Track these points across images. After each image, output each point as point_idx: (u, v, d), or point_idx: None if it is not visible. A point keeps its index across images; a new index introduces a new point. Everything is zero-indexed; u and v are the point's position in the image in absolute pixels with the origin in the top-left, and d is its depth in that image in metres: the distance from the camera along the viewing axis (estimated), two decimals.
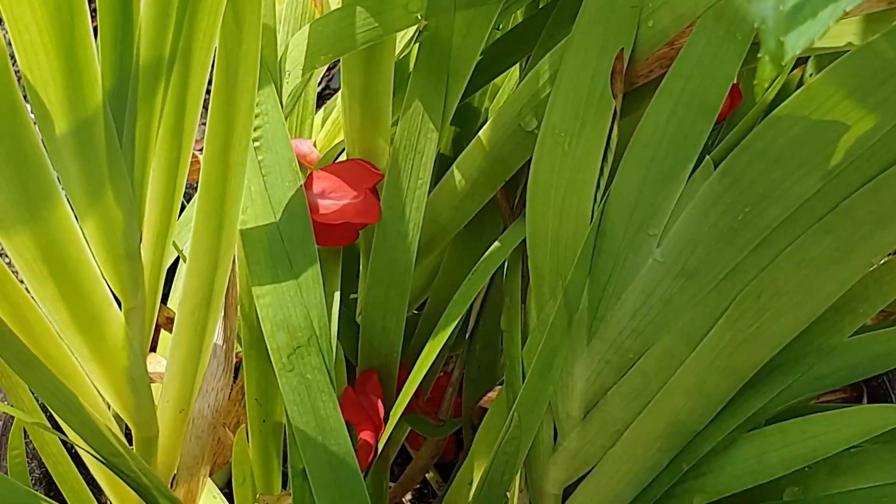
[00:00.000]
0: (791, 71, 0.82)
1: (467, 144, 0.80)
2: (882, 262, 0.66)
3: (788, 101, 0.58)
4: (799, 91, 0.57)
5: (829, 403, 0.79)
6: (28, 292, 0.68)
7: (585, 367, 0.70)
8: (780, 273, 0.63)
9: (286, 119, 0.75)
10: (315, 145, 0.84)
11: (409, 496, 0.98)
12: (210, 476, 0.81)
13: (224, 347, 0.75)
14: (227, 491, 0.84)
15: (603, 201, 0.65)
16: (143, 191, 0.66)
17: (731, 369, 0.67)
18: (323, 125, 0.88)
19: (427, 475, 0.95)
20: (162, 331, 0.89)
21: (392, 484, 0.89)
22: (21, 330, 0.65)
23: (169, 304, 0.87)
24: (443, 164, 0.79)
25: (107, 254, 0.65)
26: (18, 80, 0.54)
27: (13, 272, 0.67)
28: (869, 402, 0.93)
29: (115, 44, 0.59)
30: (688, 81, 0.60)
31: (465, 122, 0.83)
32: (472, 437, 0.83)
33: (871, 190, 0.58)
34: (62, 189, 0.61)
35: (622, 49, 0.63)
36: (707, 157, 0.61)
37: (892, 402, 0.98)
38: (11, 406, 0.72)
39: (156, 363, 0.83)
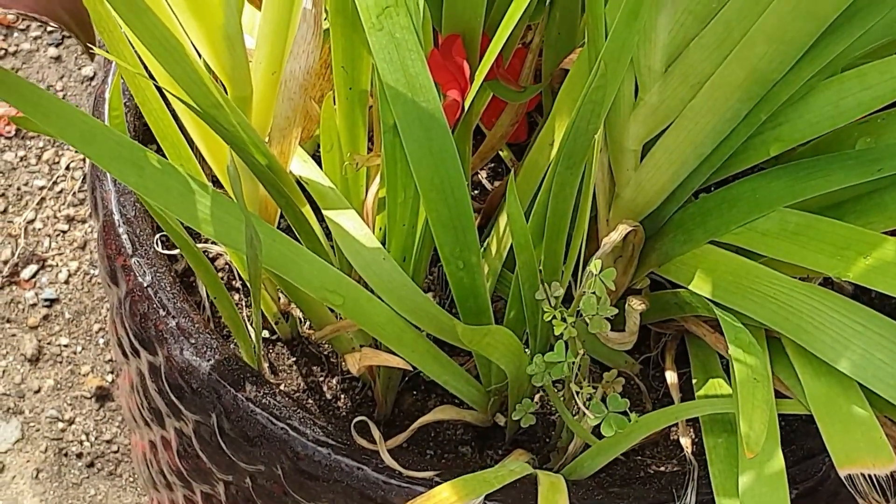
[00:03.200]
0: None
1: None
2: None
3: None
4: None
5: None
6: None
7: (669, 18, 0.72)
8: None
9: None
10: None
11: (484, 174, 1.01)
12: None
13: (313, 11, 0.77)
14: (315, 159, 0.87)
15: None
16: None
17: (812, 13, 0.69)
18: None
19: (501, 153, 0.99)
20: (248, 13, 0.90)
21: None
22: None
23: None
24: None
25: None
26: None
27: None
28: None
29: None
30: None
31: None
32: (551, 102, 0.86)
33: None
34: None
35: None
36: None
37: None
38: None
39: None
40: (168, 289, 0.84)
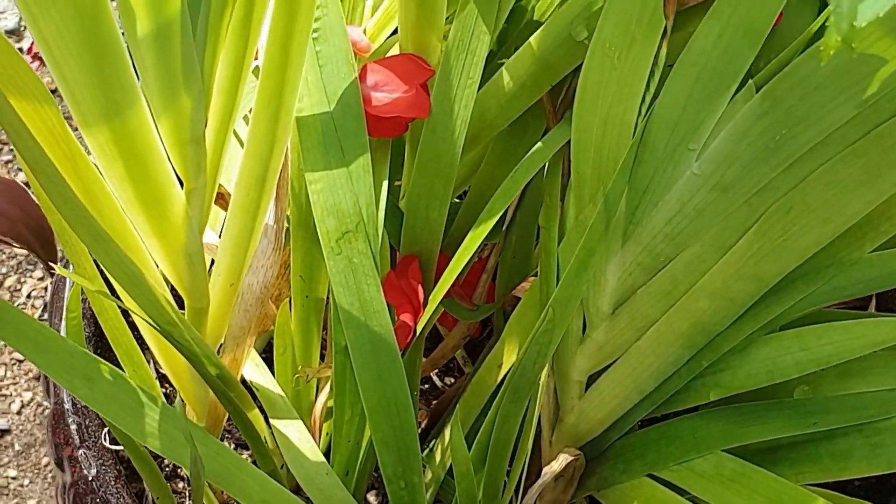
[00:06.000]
0: None
1: (511, 41, 0.83)
2: None
3: None
4: None
5: (840, 310, 0.84)
6: (97, 169, 0.72)
7: (618, 266, 0.74)
8: (809, 191, 0.67)
9: None
10: (364, 33, 0.87)
11: (434, 370, 1.03)
12: None
13: (275, 227, 0.79)
14: (265, 356, 0.89)
15: (647, 115, 0.68)
16: (211, 80, 0.69)
17: (756, 277, 0.71)
18: (373, 14, 0.90)
19: None
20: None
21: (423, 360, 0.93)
22: (88, 204, 0.69)
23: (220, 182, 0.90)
24: (487, 60, 0.82)
25: (174, 139, 0.68)
26: None
27: (84, 148, 0.71)
28: (877, 310, 0.97)
29: None
30: (737, 7, 0.64)
31: (510, 19, 0.86)
32: (502, 322, 0.88)
33: None
34: (139, 83, 0.65)
35: None
36: (750, 80, 0.65)
37: None
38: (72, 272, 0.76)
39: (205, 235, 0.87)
40: (112, 483, 0.85)
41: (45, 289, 1.63)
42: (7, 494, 1.47)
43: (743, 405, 0.79)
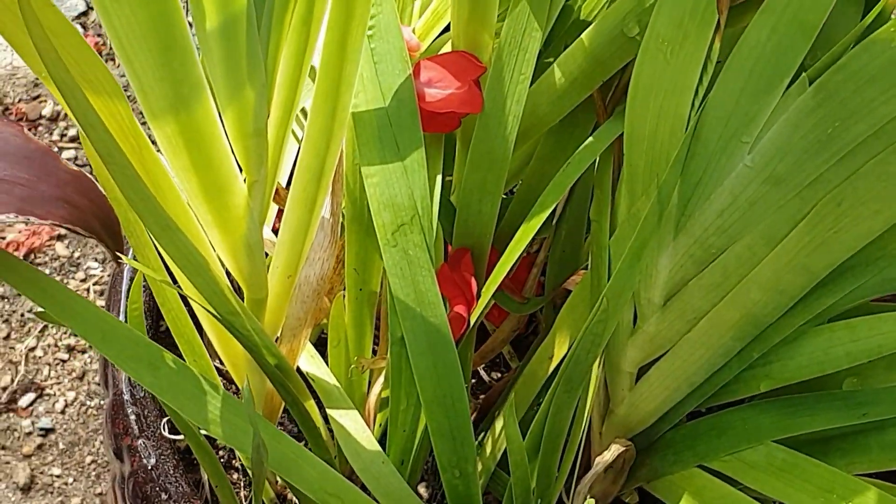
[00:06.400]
0: None
1: (558, 40, 0.84)
2: None
3: (885, 26, 0.62)
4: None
5: (884, 303, 0.85)
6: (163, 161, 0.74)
7: (670, 259, 0.75)
8: (861, 183, 0.68)
9: None
10: (413, 33, 0.89)
11: (482, 364, 1.05)
12: None
13: (331, 220, 0.80)
14: (318, 349, 0.90)
15: (700, 108, 0.69)
16: (274, 74, 0.71)
17: (806, 268, 0.72)
18: (421, 15, 0.92)
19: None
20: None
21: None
22: (154, 195, 0.70)
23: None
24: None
25: (238, 131, 0.70)
26: None
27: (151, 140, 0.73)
28: None
29: None
30: (790, 1, 0.65)
31: (557, 19, 0.87)
32: (552, 315, 0.89)
33: None
34: (206, 76, 0.66)
35: None
36: (803, 73, 0.66)
37: None
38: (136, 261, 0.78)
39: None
40: (171, 472, 0.87)
41: (88, 290, 1.65)
42: (52, 493, 1.49)
43: (793, 396, 0.80)
